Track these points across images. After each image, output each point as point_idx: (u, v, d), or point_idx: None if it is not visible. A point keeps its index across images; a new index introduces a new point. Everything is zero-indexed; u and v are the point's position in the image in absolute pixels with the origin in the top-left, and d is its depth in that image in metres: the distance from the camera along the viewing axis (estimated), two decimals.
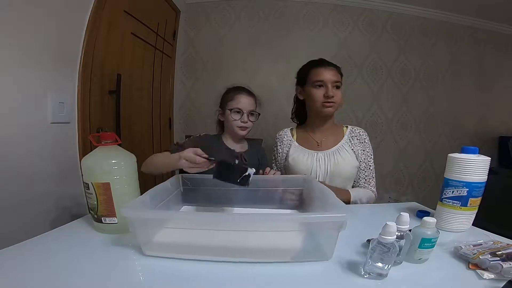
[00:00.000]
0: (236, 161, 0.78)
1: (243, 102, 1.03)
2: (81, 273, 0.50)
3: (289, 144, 1.11)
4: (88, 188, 0.66)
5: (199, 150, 0.75)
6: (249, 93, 1.07)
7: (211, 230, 0.59)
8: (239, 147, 1.10)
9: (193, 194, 0.87)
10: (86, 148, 1.17)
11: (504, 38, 2.58)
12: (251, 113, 1.04)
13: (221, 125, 1.15)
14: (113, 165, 0.66)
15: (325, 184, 0.84)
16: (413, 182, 2.59)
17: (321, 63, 1.04)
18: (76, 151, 1.14)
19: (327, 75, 1.00)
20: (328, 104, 1.00)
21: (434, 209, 0.88)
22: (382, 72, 2.40)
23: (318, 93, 1.00)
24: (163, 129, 2.00)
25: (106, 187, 0.65)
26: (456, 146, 2.56)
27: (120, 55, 1.41)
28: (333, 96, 0.99)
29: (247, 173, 0.70)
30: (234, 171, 0.71)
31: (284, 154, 1.11)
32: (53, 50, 0.99)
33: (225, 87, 1.12)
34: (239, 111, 1.02)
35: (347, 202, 0.98)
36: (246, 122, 1.03)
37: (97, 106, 1.25)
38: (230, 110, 1.03)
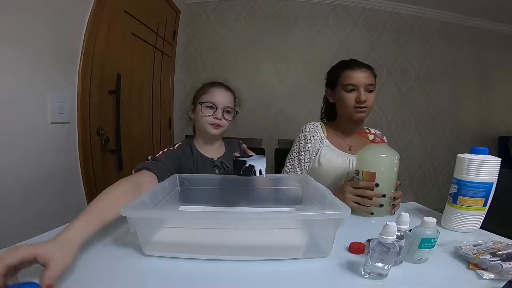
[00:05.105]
0: (236, 154, 0.81)
1: (219, 96, 0.91)
2: (81, 273, 0.50)
3: (321, 141, 1.02)
4: (358, 174, 0.82)
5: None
6: (227, 88, 0.96)
7: (211, 229, 0.59)
8: (215, 150, 0.96)
9: (190, 193, 0.86)
10: (86, 148, 1.17)
11: (504, 38, 2.58)
12: (227, 110, 0.91)
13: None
14: (382, 159, 0.80)
15: None
16: (413, 182, 2.59)
17: (353, 64, 0.97)
18: (76, 151, 1.14)
19: (360, 78, 0.93)
20: (361, 109, 0.93)
21: (434, 209, 0.88)
22: (382, 72, 2.40)
23: (350, 98, 0.94)
24: (163, 129, 2.00)
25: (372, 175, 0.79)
26: (456, 146, 2.56)
27: (120, 55, 1.41)
28: (365, 101, 0.92)
29: (247, 165, 0.74)
30: (237, 165, 0.76)
31: (315, 151, 1.02)
32: (53, 50, 0.99)
33: (202, 82, 1.01)
34: (212, 106, 0.90)
35: None
36: (220, 120, 0.89)
37: (97, 106, 1.25)
38: (201, 103, 0.90)
